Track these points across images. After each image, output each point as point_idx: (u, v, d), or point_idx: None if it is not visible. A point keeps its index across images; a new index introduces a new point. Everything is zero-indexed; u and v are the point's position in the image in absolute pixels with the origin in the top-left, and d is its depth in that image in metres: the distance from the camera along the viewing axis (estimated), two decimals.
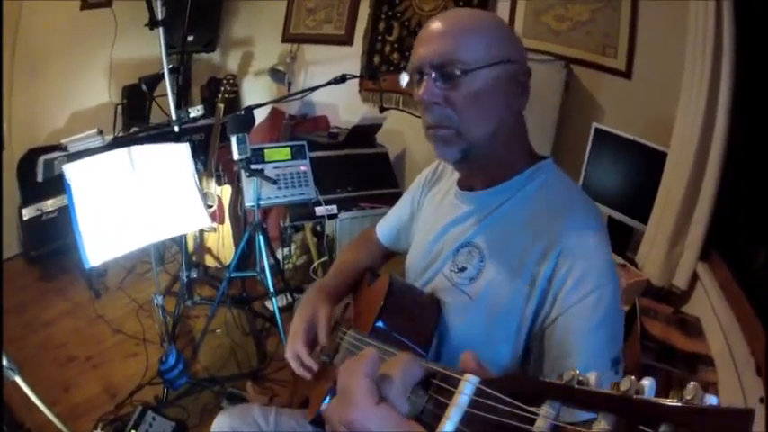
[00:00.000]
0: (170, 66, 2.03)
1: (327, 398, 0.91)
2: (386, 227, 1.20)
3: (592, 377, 0.35)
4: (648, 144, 1.87)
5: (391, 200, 2.35)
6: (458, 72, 0.76)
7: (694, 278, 1.74)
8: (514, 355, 0.79)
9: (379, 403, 0.44)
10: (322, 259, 2.62)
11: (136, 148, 1.74)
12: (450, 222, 0.92)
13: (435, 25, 0.79)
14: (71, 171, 1.59)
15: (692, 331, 1.60)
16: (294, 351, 0.95)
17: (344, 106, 3.11)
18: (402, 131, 2.87)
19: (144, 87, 2.79)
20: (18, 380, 1.24)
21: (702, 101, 1.62)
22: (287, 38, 3.28)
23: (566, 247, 0.75)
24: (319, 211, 2.31)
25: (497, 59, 0.77)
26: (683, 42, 1.71)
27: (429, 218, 1.01)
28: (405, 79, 0.84)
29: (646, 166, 1.89)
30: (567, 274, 0.74)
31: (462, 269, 0.85)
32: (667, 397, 0.30)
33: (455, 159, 0.83)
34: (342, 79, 2.01)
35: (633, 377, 0.33)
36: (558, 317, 0.74)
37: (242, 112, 2.12)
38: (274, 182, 1.99)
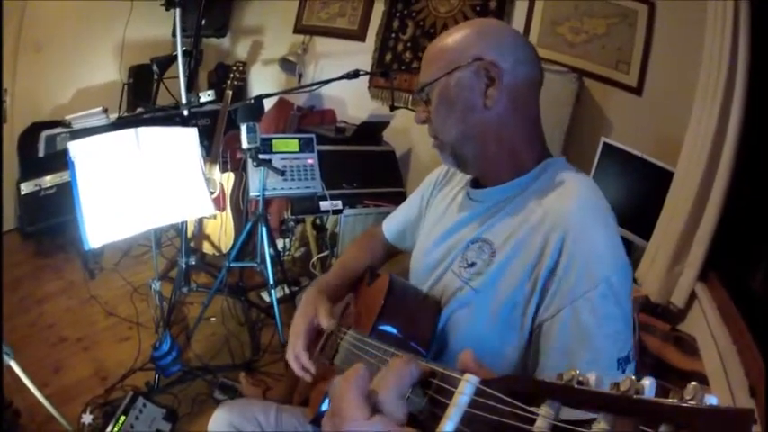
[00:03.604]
0: (183, 48, 2.01)
1: (327, 398, 0.91)
2: (393, 224, 1.20)
3: (592, 377, 0.35)
4: (655, 162, 1.88)
5: (396, 199, 2.38)
6: (424, 92, 0.87)
7: (692, 297, 1.76)
8: (519, 350, 0.79)
9: (372, 416, 0.44)
10: (322, 254, 2.61)
11: (143, 130, 1.71)
12: (460, 220, 0.93)
13: (426, 51, 0.89)
14: (76, 148, 1.56)
15: (687, 349, 1.61)
16: (295, 353, 0.97)
17: (353, 101, 3.10)
18: (409, 130, 2.86)
19: (155, 68, 2.75)
20: (13, 364, 1.21)
21: (712, 124, 1.63)
22: (299, 29, 3.26)
23: (569, 234, 0.74)
24: (324, 205, 2.30)
25: (452, 66, 0.83)
26: (695, 64, 1.73)
27: (438, 216, 1.01)
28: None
29: (651, 183, 1.90)
30: (571, 264, 0.72)
31: (472, 264, 0.85)
32: (667, 398, 0.30)
33: (451, 164, 0.91)
34: (355, 75, 2.00)
35: (633, 377, 0.33)
36: (560, 310, 0.72)
37: (252, 101, 2.11)
38: (282, 173, 1.97)
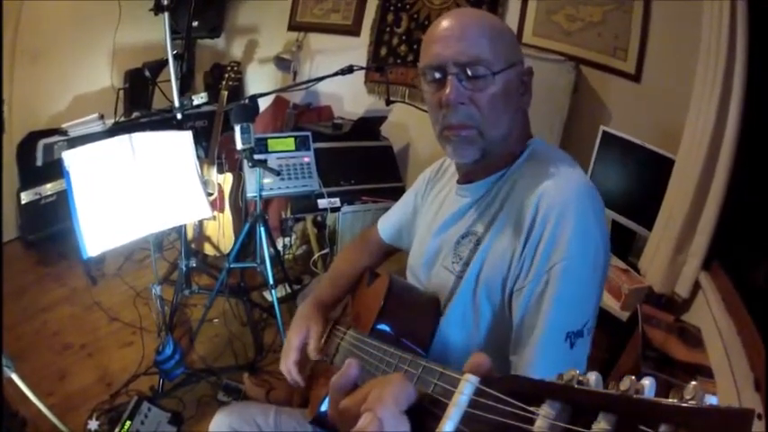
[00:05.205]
0: (174, 51, 1.99)
1: (327, 398, 0.91)
2: (388, 224, 1.20)
3: (592, 377, 0.35)
4: (656, 150, 1.85)
5: (394, 194, 2.37)
6: (487, 73, 0.76)
7: (696, 287, 1.73)
8: (505, 330, 0.79)
9: None
10: (322, 251, 2.61)
11: (137, 136, 1.71)
12: (450, 217, 0.93)
13: (450, 24, 0.79)
14: (70, 158, 1.56)
15: (691, 341, 1.60)
16: (286, 367, 1.01)
17: (349, 97, 3.08)
18: (406, 125, 2.84)
19: (147, 73, 2.74)
20: (14, 377, 1.22)
21: (713, 111, 1.60)
22: (293, 26, 3.24)
23: (541, 210, 0.75)
24: (322, 203, 2.29)
25: (512, 62, 0.80)
26: (694, 49, 1.69)
27: (431, 214, 1.01)
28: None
29: (652, 171, 1.87)
30: (540, 239, 0.73)
31: (461, 258, 0.86)
32: (667, 398, 0.30)
33: (474, 159, 0.83)
34: (349, 70, 1.97)
35: (633, 377, 0.33)
36: (526, 285, 0.74)
37: (246, 101, 2.09)
38: (278, 173, 1.96)
